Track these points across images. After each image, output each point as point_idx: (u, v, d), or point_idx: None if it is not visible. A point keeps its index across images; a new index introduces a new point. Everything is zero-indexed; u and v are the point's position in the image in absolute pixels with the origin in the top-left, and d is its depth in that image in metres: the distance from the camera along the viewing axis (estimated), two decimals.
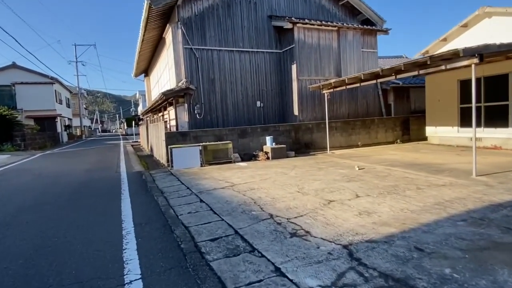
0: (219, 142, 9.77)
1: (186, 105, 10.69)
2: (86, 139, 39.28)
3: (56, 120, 31.06)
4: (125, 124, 59.14)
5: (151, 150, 14.52)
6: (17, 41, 26.96)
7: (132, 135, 38.25)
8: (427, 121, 12.06)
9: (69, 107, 39.60)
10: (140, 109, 55.78)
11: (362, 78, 8.79)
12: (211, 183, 6.75)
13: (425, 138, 12.72)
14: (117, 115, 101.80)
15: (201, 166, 9.37)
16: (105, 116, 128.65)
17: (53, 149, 20.39)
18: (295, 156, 10.42)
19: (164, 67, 13.72)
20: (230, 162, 9.71)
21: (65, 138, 32.16)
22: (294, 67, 11.56)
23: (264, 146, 10.58)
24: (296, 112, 11.71)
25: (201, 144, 9.52)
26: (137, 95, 55.71)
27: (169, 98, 10.48)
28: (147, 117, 17.18)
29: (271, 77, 12.13)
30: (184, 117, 10.82)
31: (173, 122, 11.14)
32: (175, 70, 10.71)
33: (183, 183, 6.92)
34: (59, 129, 31.55)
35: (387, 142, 12.70)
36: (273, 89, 12.20)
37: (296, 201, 4.90)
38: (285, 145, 10.34)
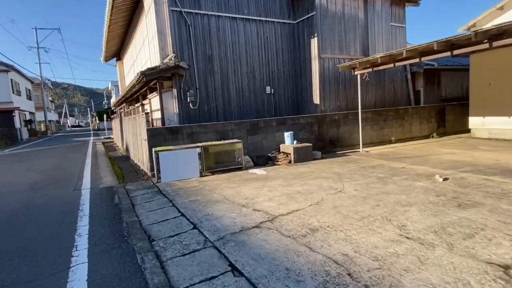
0: (224, 142, 7.06)
1: (175, 90, 7.85)
2: (52, 135, 34.86)
3: (13, 114, 26.74)
4: (96, 118, 54.35)
5: (127, 150, 11.51)
6: None
7: (104, 130, 34.36)
8: (471, 111, 9.95)
9: (30, 100, 34.89)
10: (113, 101, 51.25)
11: (405, 55, 6.43)
12: (231, 212, 4.10)
13: (465, 131, 10.65)
14: (88, 109, 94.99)
15: (201, 175, 6.66)
16: (75, 109, 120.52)
17: (5, 150, 16.70)
18: (322, 158, 7.93)
19: (142, 43, 10.67)
20: (240, 169, 7.06)
21: (25, 134, 27.91)
22: (314, 41, 8.98)
23: (281, 145, 7.99)
24: (316, 100, 9.17)
25: (200, 144, 6.77)
26: (110, 86, 51.03)
27: (151, 81, 7.60)
28: (121, 108, 14.05)
29: (282, 55, 9.48)
30: (173, 107, 7.98)
31: (157, 115, 8.28)
32: (158, 43, 7.81)
33: (183, 214, 4.21)
34: (17, 125, 27.26)
35: (422, 136, 10.51)
36: (286, 71, 9.58)
37: (436, 270, 2.38)
38: (310, 144, 7.79)
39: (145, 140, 7.00)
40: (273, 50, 9.28)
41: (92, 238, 3.52)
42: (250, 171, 6.92)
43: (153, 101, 9.08)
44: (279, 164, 7.33)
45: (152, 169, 6.85)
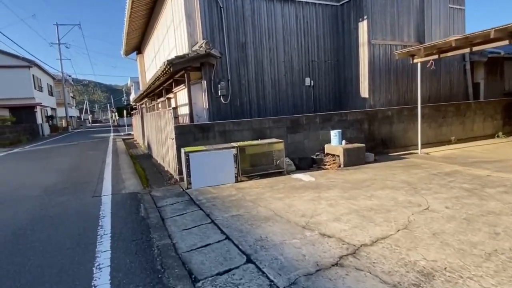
0: (263, 141, 6.12)
1: (204, 82, 6.98)
2: (73, 131, 35.30)
3: (35, 110, 27.06)
4: (116, 114, 55.05)
5: (149, 147, 10.84)
6: None
7: (124, 126, 34.40)
8: None
9: (52, 96, 35.44)
10: (132, 97, 51.61)
11: (493, 36, 5.21)
12: (291, 237, 3.15)
13: None
14: (108, 105, 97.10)
15: (237, 181, 5.76)
16: (96, 106, 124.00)
17: (25, 146, 16.58)
18: (375, 161, 6.84)
19: (166, 32, 9.89)
20: (280, 173, 6.11)
21: (46, 130, 28.23)
22: (363, 25, 7.84)
23: (326, 146, 6.97)
24: (364, 93, 8.05)
25: (235, 145, 5.87)
26: (129, 82, 51.40)
27: (178, 72, 6.76)
28: (142, 104, 13.45)
29: (324, 42, 8.40)
30: (202, 101, 7.12)
31: (184, 110, 7.47)
32: (186, 28, 6.95)
33: (228, 237, 3.30)
34: (39, 120, 27.59)
35: (485, 135, 9.15)
36: (327, 60, 8.50)
37: None
38: (363, 145, 6.72)
39: (173, 139, 6.18)
40: (313, 37, 8.23)
41: (115, 274, 2.67)
42: (294, 176, 5.95)
43: (179, 95, 8.27)
44: (326, 168, 6.31)
45: (180, 172, 6.03)
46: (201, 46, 6.46)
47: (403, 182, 5.03)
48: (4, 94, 25.00)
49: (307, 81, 8.19)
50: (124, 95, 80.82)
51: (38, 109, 27.68)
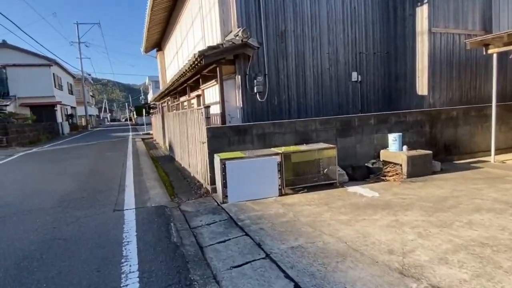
0: (312, 147, 5.18)
1: (238, 78, 6.11)
2: (92, 130, 35.53)
3: (55, 108, 27.22)
4: (134, 113, 55.50)
5: (171, 149, 10.13)
6: (3, 15, 22.79)
7: (143, 125, 34.29)
8: None
9: (72, 94, 35.78)
10: (150, 96, 51.75)
11: None
12: None
13: None
14: (126, 104, 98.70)
15: (281, 194, 4.85)
16: (114, 105, 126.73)
17: (44, 145, 16.36)
18: (441, 171, 5.76)
19: (191, 24, 9.12)
20: (331, 185, 5.17)
21: (66, 129, 28.38)
22: (422, 11, 6.76)
23: (382, 152, 5.96)
24: (422, 90, 6.96)
25: (279, 151, 4.96)
26: (147, 81, 51.76)
27: (210, 64, 5.91)
28: (163, 103, 12.80)
29: (373, 31, 7.36)
30: (235, 99, 6.27)
31: (214, 109, 6.64)
32: (219, 15, 6.10)
33: (298, 286, 2.40)
34: (59, 119, 27.75)
35: None
36: (377, 52, 7.45)
37: None
38: (430, 151, 5.66)
39: (204, 143, 5.35)
40: (361, 25, 7.21)
41: None
42: (350, 189, 4.99)
43: (207, 93, 7.46)
44: (386, 180, 5.31)
45: (212, 182, 5.19)
46: (237, 35, 5.59)
47: (498, 202, 3.97)
48: (25, 92, 25.22)
49: (354, 75, 7.18)
50: (142, 94, 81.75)
51: (58, 107, 27.84)
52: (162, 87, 16.35)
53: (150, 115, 20.82)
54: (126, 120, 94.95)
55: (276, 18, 6.38)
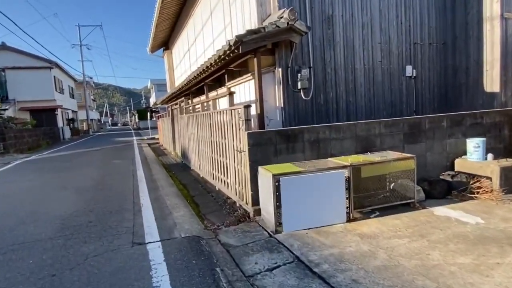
0: (384, 158, 4.03)
1: (279, 71, 4.99)
2: (94, 134, 34.42)
3: (56, 112, 26.12)
4: (136, 116, 54.46)
5: (184, 156, 9.01)
6: (4, 14, 21.68)
7: (147, 129, 33.19)
8: None
9: (73, 98, 34.70)
10: (152, 100, 50.65)
11: None
12: None
13: None
14: (127, 108, 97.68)
15: (349, 219, 3.70)
16: (115, 109, 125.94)
17: (44, 151, 15.22)
18: None
19: (210, 13, 8.02)
20: (407, 205, 4.03)
21: (67, 134, 27.24)
22: None
23: (459, 162, 4.83)
24: (492, 87, 5.84)
25: (346, 163, 3.81)
26: (149, 84, 50.77)
27: (246, 53, 4.78)
28: (173, 105, 11.69)
29: (428, 19, 6.26)
30: (274, 97, 5.14)
31: (238, 111, 5.49)
32: None
33: None
34: (60, 124, 26.63)
35: None
36: (432, 43, 6.33)
37: None
38: None
39: (242, 152, 4.21)
40: (416, 11, 6.10)
41: None
42: (436, 211, 3.84)
43: (239, 90, 6.31)
44: (476, 198, 4.16)
45: (254, 202, 4.05)
46: (281, 17, 4.47)
47: None
48: (24, 96, 24.13)
49: (408, 70, 6.06)
50: (143, 98, 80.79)
51: (59, 111, 26.74)
52: (169, 88, 15.25)
53: (157, 119, 19.70)
54: (124, 124, 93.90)
55: (322, 0, 5.27)
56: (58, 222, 4.22)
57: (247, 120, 4.12)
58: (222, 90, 6.86)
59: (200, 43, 9.44)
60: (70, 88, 33.51)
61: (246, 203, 4.28)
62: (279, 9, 4.87)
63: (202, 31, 9.09)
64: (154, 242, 3.41)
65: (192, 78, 7.29)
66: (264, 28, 4.36)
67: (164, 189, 5.94)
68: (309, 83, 5.11)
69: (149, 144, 16.34)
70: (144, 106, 68.01)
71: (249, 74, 5.26)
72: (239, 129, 4.31)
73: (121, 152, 12.99)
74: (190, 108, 8.62)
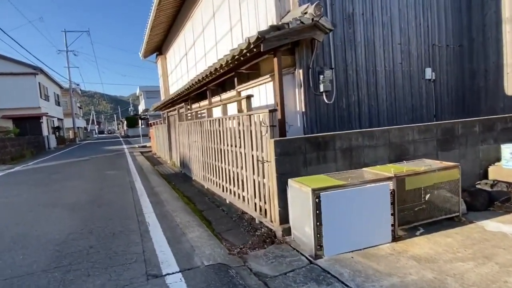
0: (428, 167, 3.58)
1: (299, 72, 4.51)
2: (80, 143, 33.04)
3: (41, 120, 24.83)
4: (125, 124, 53.07)
5: (183, 165, 8.40)
6: None
7: (137, 136, 32.20)
8: None
9: (59, 105, 33.32)
10: (141, 108, 49.44)
11: None
12: None
13: None
14: (114, 115, 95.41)
15: (394, 239, 3.21)
16: (101, 116, 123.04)
17: (29, 162, 14.20)
18: None
19: (212, 14, 7.52)
20: (451, 219, 3.59)
21: (53, 143, 25.92)
22: None
23: (493, 169, 4.46)
24: None
25: (389, 173, 3.33)
26: (138, 91, 49.66)
27: (265, 53, 4.28)
28: (170, 111, 11.05)
29: (446, 20, 5.96)
30: (293, 101, 4.64)
31: (261, 116, 4.98)
32: None
33: None
34: (45, 132, 25.33)
35: None
36: (450, 45, 6.03)
37: None
38: None
39: (265, 163, 3.68)
40: (434, 12, 5.79)
41: None
42: (487, 226, 3.41)
43: (252, 94, 5.79)
44: None
45: (282, 219, 3.52)
46: (305, 12, 4.02)
47: None
48: (7, 103, 22.87)
49: (428, 72, 5.71)
50: (131, 105, 79.12)
51: (44, 119, 25.45)
52: (163, 95, 14.60)
53: (149, 127, 18.92)
54: (110, 132, 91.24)
55: None
56: (52, 248, 3.55)
57: (273, 127, 3.60)
58: (228, 94, 6.33)
59: (200, 46, 8.91)
60: (56, 95, 32.16)
61: (271, 221, 3.74)
62: (300, 5, 4.42)
63: (202, 34, 8.57)
64: (173, 273, 2.81)
65: (196, 82, 6.73)
66: (288, 24, 3.89)
67: (169, 203, 5.31)
68: (332, 86, 4.65)
69: (142, 153, 15.54)
70: (132, 113, 66.60)
71: (267, 76, 4.76)
72: (262, 137, 3.78)
73: (113, 162, 12.17)
74: (192, 114, 8.04)
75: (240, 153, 4.53)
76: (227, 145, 5.01)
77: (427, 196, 3.50)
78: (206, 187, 6.53)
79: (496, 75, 5.78)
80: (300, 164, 3.61)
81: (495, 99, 5.83)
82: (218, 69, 5.28)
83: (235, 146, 4.69)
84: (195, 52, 9.45)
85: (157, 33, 12.40)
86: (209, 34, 8.01)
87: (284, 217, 3.52)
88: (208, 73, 5.73)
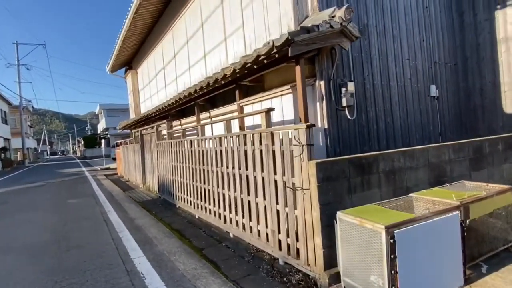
0: (487, 192, 3.06)
1: (320, 84, 3.88)
2: (31, 165, 29.20)
3: None
4: (82, 144, 48.72)
5: (164, 191, 7.27)
6: None
7: (96, 158, 29.39)
8: None
9: (6, 124, 29.44)
10: (101, 127, 45.83)
11: None
12: None
13: None
14: (69, 135, 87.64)
15: (466, 281, 2.58)
16: (54, 136, 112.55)
17: None
18: None
19: (201, 24, 6.76)
20: (509, 251, 3.07)
21: None
22: (505, 14, 5.45)
23: None
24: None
25: (456, 202, 2.73)
26: (98, 109, 46.29)
27: (284, 60, 3.60)
28: (143, 130, 9.80)
29: (443, 39, 5.86)
30: (315, 117, 3.97)
31: (292, 132, 4.22)
32: None
33: None
34: None
35: None
36: (448, 63, 5.91)
37: None
38: None
39: (301, 190, 2.91)
40: (433, 29, 5.65)
41: None
42: None
43: (249, 111, 5.01)
44: None
45: (327, 263, 2.73)
46: (333, 16, 3.44)
47: None
48: None
49: (433, 89, 5.46)
50: (88, 124, 73.32)
51: None
52: (133, 112, 13.24)
53: (115, 147, 17.12)
54: (64, 153, 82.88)
55: (358, 6, 4.43)
56: None
57: (310, 146, 2.86)
58: (228, 108, 5.50)
59: (183, 59, 8.03)
60: (3, 112, 28.42)
61: (308, 264, 2.92)
62: (320, 10, 3.86)
63: (186, 45, 7.73)
64: None
65: (185, 96, 5.83)
66: (317, 26, 3.26)
67: (160, 242, 4.22)
68: (354, 101, 4.09)
69: (107, 176, 13.75)
70: (90, 132, 61.77)
71: (279, 89, 4.04)
72: (292, 158, 3.02)
73: (75, 188, 10.40)
74: (173, 132, 7.01)
75: (254, 177, 3.70)
76: (232, 168, 4.15)
77: (488, 225, 2.96)
78: (197, 217, 5.51)
79: (493, 94, 5.72)
80: (344, 192, 2.89)
81: (494, 118, 5.74)
82: (220, 80, 4.48)
83: (245, 169, 3.86)
84: (176, 65, 8.52)
85: (130, 46, 11.26)
86: (195, 46, 7.20)
87: (329, 260, 2.73)
88: (204, 85, 4.89)
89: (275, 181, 3.33)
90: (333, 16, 3.47)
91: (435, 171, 3.55)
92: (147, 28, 9.93)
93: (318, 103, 3.91)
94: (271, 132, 3.37)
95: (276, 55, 3.38)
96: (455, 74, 6.04)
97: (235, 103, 5.21)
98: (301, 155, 2.90)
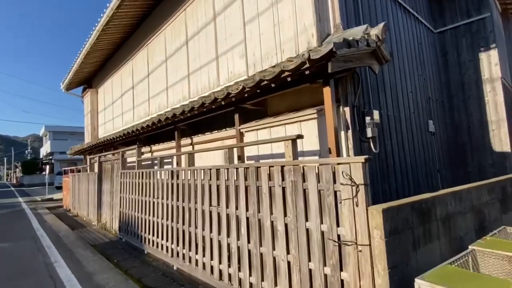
0: None
1: (345, 110, 3.25)
2: None
3: None
4: (19, 170, 42.44)
5: (128, 231, 5.90)
6: None
7: (38, 186, 25.40)
8: None
9: None
10: (45, 150, 40.64)
11: None
12: None
13: None
14: (5, 159, 76.30)
15: None
16: None
17: None
18: None
19: (185, 42, 5.95)
20: None
21: None
22: (489, 56, 5.62)
23: None
24: (502, 146, 5.47)
25: None
26: (42, 131, 41.48)
27: (308, 80, 2.94)
28: (101, 156, 8.25)
29: (433, 76, 5.84)
30: (342, 148, 3.28)
31: (340, 168, 3.43)
32: (313, 3, 3.34)
33: None
34: None
35: None
36: (438, 99, 5.86)
37: None
38: None
39: (353, 245, 2.10)
40: (426, 66, 5.59)
41: None
42: None
43: (251, 139, 4.18)
44: None
45: None
46: (367, 33, 2.93)
47: None
48: None
49: (431, 125, 5.25)
50: (29, 147, 64.85)
51: None
52: (90, 135, 11.49)
53: (64, 174, 14.74)
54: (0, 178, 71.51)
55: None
56: None
57: (367, 186, 2.13)
58: (219, 134, 4.60)
59: (159, 79, 7.04)
60: None
61: None
62: (343, 28, 3.35)
63: (165, 63, 6.81)
64: None
65: (166, 119, 4.84)
66: (357, 42, 2.69)
67: None
68: (377, 132, 3.53)
69: (50, 209, 11.41)
70: (30, 157, 54.58)
71: (310, 112, 3.31)
72: (339, 202, 2.25)
73: (9, 225, 8.18)
74: (149, 161, 5.84)
75: (271, 222, 2.81)
76: (236, 208, 3.22)
77: None
78: (175, 268, 4.31)
79: (481, 131, 5.71)
80: (408, 245, 2.16)
81: (483, 155, 5.68)
82: (220, 100, 3.65)
83: (257, 212, 2.96)
84: (150, 85, 7.48)
85: (92, 62, 9.92)
86: (176, 64, 6.32)
87: None
88: (196, 106, 4.00)
89: (307, 230, 2.49)
90: (367, 34, 2.95)
91: (478, 215, 3.04)
92: (115, 44, 8.83)
93: (342, 132, 3.26)
94: (301, 165, 2.58)
95: (307, 71, 2.71)
96: (442, 110, 6.00)
97: (227, 128, 4.37)
98: (355, 199, 2.14)
